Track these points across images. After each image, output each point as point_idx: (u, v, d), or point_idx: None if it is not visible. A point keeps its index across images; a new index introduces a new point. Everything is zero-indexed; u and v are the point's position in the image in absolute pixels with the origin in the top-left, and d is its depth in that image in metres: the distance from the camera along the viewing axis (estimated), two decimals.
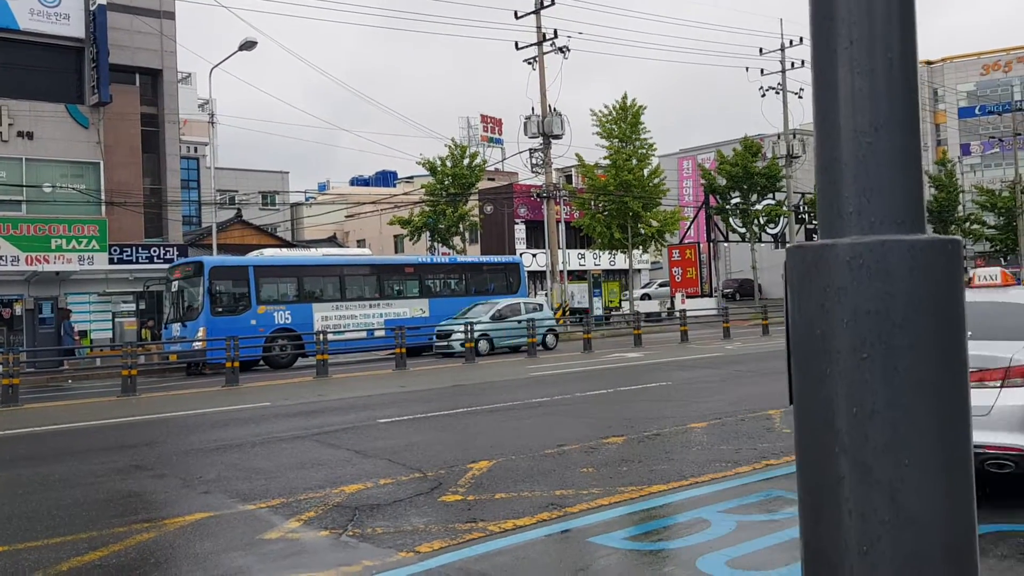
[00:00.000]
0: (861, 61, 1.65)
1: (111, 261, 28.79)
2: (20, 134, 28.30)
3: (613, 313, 40.87)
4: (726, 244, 51.43)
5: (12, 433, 12.25)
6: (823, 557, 1.62)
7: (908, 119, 1.66)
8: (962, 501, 1.60)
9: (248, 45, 30.75)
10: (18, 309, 27.49)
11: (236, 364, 19.29)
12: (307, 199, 67.99)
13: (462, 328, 23.41)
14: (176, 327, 24.05)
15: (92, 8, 29.15)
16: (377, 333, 25.57)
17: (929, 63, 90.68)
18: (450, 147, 41.69)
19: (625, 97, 39.72)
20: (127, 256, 29.61)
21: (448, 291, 28.64)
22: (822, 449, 1.63)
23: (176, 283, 24.53)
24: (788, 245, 1.80)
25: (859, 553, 1.57)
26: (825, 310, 1.64)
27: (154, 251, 30.23)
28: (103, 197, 29.46)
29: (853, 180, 1.65)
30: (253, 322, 23.68)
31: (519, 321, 25.58)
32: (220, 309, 23.44)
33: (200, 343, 22.58)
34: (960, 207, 59.73)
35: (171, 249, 30.56)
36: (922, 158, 1.69)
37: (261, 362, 24.24)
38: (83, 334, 28.20)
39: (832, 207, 1.68)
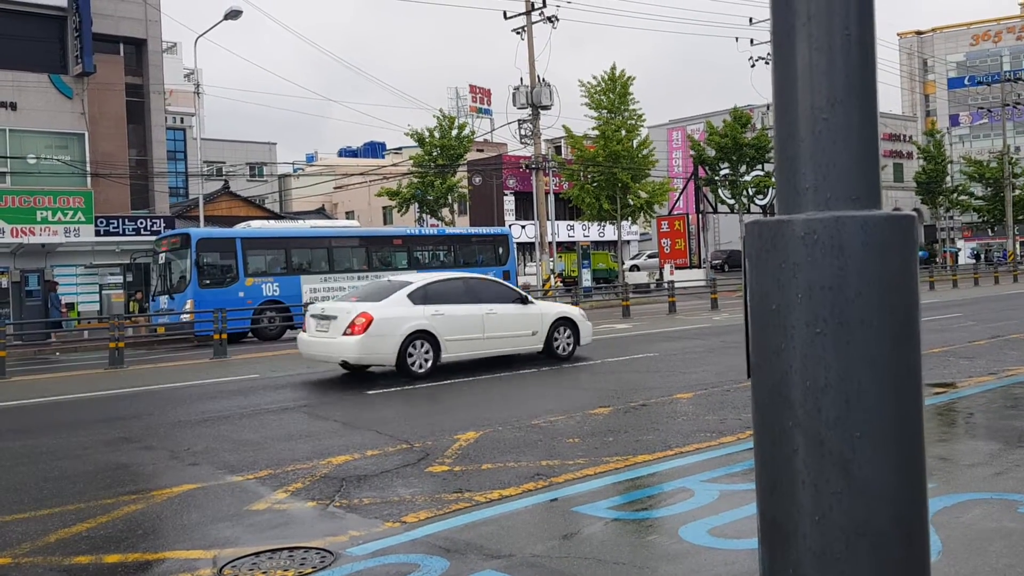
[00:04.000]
0: (819, 37, 1.65)
1: (97, 233, 28.63)
2: (3, 104, 28.01)
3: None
4: (715, 215, 51.47)
5: None
6: (778, 526, 1.66)
7: (865, 96, 1.66)
8: (913, 472, 1.64)
9: (233, 14, 30.43)
10: (4, 282, 27.35)
11: (224, 336, 19.28)
12: (295, 170, 67.63)
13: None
14: (164, 299, 23.98)
15: None
16: None
17: (919, 33, 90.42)
18: (438, 118, 41.46)
19: (614, 68, 39.57)
20: (113, 228, 29.45)
21: (437, 263, 28.60)
22: (777, 422, 1.66)
23: (163, 255, 24.42)
24: (746, 221, 1.82)
25: (812, 522, 1.61)
26: (781, 285, 1.65)
27: (141, 223, 30.07)
28: (88, 168, 29.25)
29: (810, 156, 1.66)
30: (241, 294, 23.62)
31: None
32: (208, 281, 23.37)
33: (188, 315, 22.55)
34: (948, 178, 59.88)
35: (158, 221, 30.40)
36: (879, 132, 1.70)
37: (249, 334, 24.23)
38: (70, 306, 28.12)
39: (789, 183, 1.69)
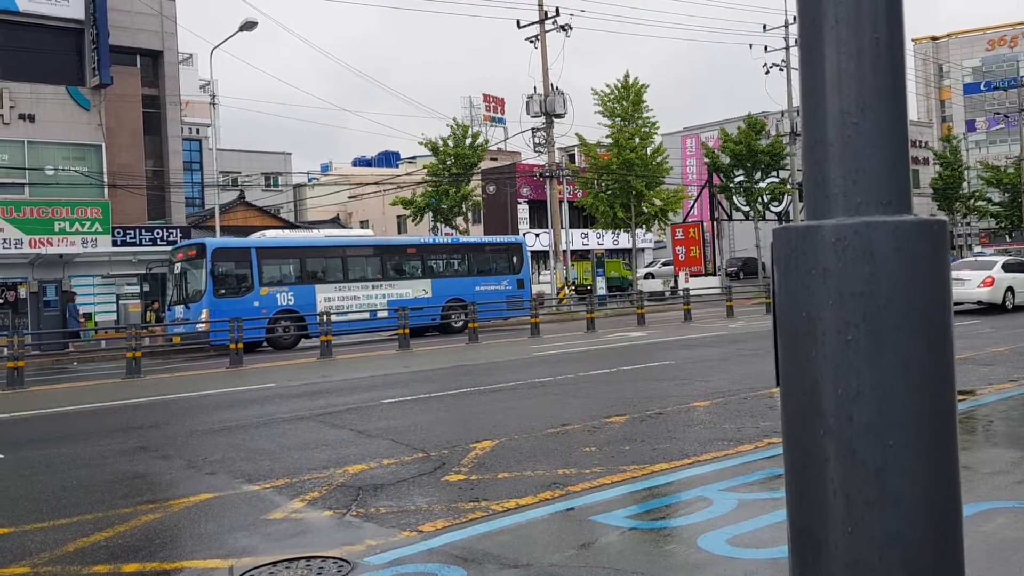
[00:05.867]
0: (847, 41, 1.63)
1: (114, 243, 28.85)
2: (22, 117, 28.28)
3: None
4: (730, 222, 51.33)
5: (18, 415, 12.33)
6: (809, 536, 1.63)
7: (895, 100, 1.64)
8: (947, 481, 1.61)
9: (248, 26, 30.63)
10: (22, 292, 27.56)
11: (240, 345, 19.37)
12: (310, 180, 67.94)
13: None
14: (179, 309, 24.05)
15: None
16: (380, 314, 25.54)
17: (934, 39, 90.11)
18: (452, 127, 41.54)
19: (627, 75, 39.56)
20: (130, 238, 29.65)
21: (451, 271, 28.57)
22: (808, 430, 1.64)
23: (179, 265, 24.50)
24: (775, 227, 1.79)
25: (844, 533, 1.58)
26: (811, 292, 1.63)
27: (157, 233, 30.27)
28: (105, 179, 29.48)
29: (839, 161, 1.64)
30: (256, 304, 23.65)
31: None
32: (223, 291, 23.42)
33: (203, 325, 22.62)
34: (965, 184, 59.51)
35: (174, 231, 30.59)
36: (908, 137, 1.69)
37: (264, 343, 24.29)
38: (88, 316, 28.30)
39: (818, 188, 1.67)
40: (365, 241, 28.41)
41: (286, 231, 30.34)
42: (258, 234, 27.36)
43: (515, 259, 29.93)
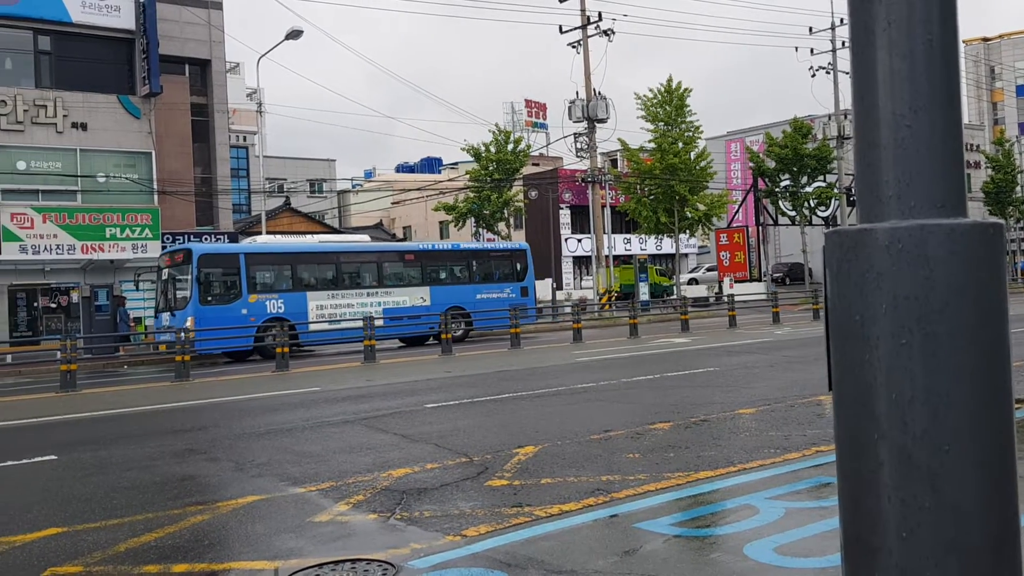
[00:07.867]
0: (900, 42, 1.61)
1: (164, 249, 29.33)
2: (74, 125, 28.91)
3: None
4: (775, 227, 50.74)
5: (70, 417, 12.60)
6: (862, 542, 1.61)
7: (948, 101, 1.62)
8: (1004, 488, 1.58)
9: (294, 34, 31.03)
10: (75, 297, 28.18)
11: (287, 350, 19.54)
12: (353, 187, 68.57)
13: None
14: (166, 316, 23.51)
15: (141, 0, 29.65)
16: (376, 322, 25.15)
17: (986, 40, 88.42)
18: (494, 133, 41.60)
19: (670, 80, 39.29)
20: (180, 244, 30.12)
21: (451, 279, 27.77)
22: (861, 435, 1.62)
23: (166, 271, 24.03)
24: (826, 230, 1.78)
25: (899, 539, 1.56)
26: (864, 296, 1.61)
27: (205, 239, 30.74)
28: (155, 186, 30.02)
29: (892, 164, 1.62)
30: (244, 311, 23.08)
31: None
32: (210, 298, 22.88)
33: (189, 333, 22.46)
34: (1018, 187, 58.19)
35: (222, 237, 31.07)
36: (963, 139, 1.67)
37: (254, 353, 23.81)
38: (138, 320, 28.83)
39: (871, 191, 1.65)
40: (360, 247, 27.86)
41: (279, 237, 29.81)
42: (249, 239, 27.24)
43: (519, 266, 29.26)
